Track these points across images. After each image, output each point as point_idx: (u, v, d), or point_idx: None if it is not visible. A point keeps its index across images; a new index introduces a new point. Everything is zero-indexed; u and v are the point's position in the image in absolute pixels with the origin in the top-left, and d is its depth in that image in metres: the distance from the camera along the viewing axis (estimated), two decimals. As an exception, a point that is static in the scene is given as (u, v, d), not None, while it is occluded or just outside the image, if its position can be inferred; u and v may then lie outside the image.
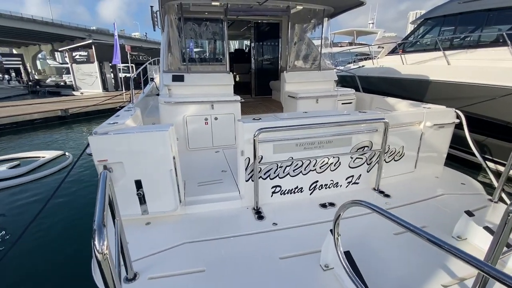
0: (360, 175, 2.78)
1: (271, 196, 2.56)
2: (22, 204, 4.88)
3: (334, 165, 2.66)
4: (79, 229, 4.14)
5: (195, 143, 3.97)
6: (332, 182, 2.70)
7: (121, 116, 2.94)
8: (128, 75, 17.72)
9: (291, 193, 2.61)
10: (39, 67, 46.63)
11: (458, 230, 2.04)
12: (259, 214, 2.37)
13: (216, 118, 3.94)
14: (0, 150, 8.02)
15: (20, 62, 33.39)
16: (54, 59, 46.14)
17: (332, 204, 2.52)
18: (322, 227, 2.20)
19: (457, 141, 3.18)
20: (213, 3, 4.09)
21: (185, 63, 4.24)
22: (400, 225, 1.17)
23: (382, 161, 2.69)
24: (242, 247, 2.00)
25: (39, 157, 6.91)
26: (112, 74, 20.76)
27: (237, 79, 8.48)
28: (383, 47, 9.60)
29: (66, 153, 7.38)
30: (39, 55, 49.26)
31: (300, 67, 5.04)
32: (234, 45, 10.95)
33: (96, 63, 19.79)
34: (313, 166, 2.59)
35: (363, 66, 8.15)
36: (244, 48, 10.20)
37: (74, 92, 21.27)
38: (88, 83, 20.97)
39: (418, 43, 7.40)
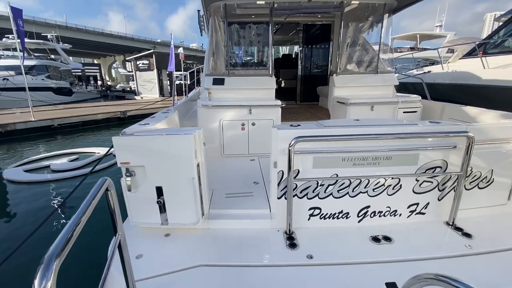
0: (428, 203, 2.15)
1: (308, 219, 2.12)
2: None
3: (393, 188, 2.10)
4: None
5: (230, 149, 3.74)
6: (388, 209, 2.14)
7: (156, 118, 2.85)
8: (182, 82, 18.96)
9: (333, 218, 2.13)
10: (113, 75, 53.65)
11: None
12: (291, 241, 1.95)
13: (253, 124, 3.65)
14: (68, 144, 9.11)
15: (98, 71, 38.76)
16: (124, 67, 52.52)
17: (387, 239, 1.96)
18: (374, 270, 1.68)
19: None
20: (258, 2, 3.87)
21: (227, 66, 4.09)
22: None
23: (461, 188, 2.03)
24: (267, 281, 1.62)
25: (94, 152, 7.58)
26: (168, 81, 22.54)
27: (283, 84, 8.20)
28: (455, 50, 8.23)
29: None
30: (114, 65, 56.77)
31: (352, 71, 4.48)
32: (281, 50, 10.74)
33: (155, 70, 21.72)
34: (364, 187, 2.07)
35: (429, 71, 7.06)
36: (292, 54, 9.89)
37: (135, 97, 23.64)
38: (147, 88, 23.13)
39: (505, 43, 6.09)
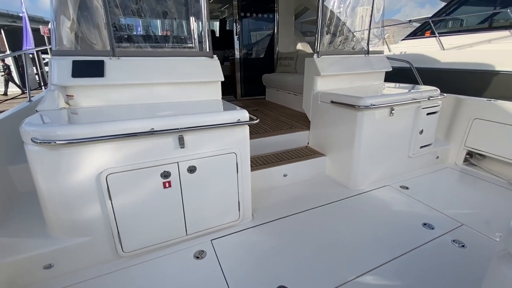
0: None
1: None
2: None
3: None
4: None
5: (140, 238, 1.57)
6: None
7: None
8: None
9: None
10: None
11: None
12: None
13: (191, 170, 1.59)
14: None
15: None
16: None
17: None
18: None
19: None
20: None
21: (111, 37, 1.78)
22: None
23: None
24: None
25: None
26: (34, 68, 16.10)
27: None
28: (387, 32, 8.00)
29: None
30: None
31: (339, 50, 2.84)
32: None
33: (8, 52, 15.13)
34: None
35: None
36: (214, 30, 7.73)
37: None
38: None
39: (460, 21, 5.78)
